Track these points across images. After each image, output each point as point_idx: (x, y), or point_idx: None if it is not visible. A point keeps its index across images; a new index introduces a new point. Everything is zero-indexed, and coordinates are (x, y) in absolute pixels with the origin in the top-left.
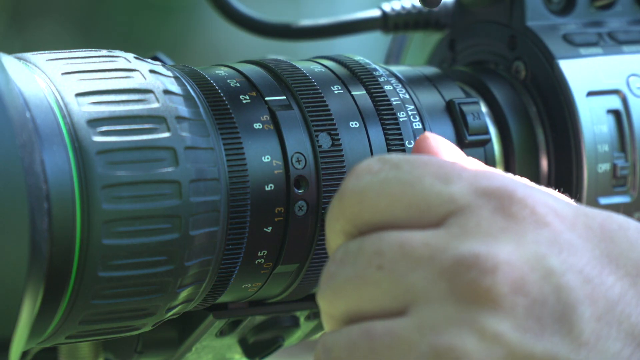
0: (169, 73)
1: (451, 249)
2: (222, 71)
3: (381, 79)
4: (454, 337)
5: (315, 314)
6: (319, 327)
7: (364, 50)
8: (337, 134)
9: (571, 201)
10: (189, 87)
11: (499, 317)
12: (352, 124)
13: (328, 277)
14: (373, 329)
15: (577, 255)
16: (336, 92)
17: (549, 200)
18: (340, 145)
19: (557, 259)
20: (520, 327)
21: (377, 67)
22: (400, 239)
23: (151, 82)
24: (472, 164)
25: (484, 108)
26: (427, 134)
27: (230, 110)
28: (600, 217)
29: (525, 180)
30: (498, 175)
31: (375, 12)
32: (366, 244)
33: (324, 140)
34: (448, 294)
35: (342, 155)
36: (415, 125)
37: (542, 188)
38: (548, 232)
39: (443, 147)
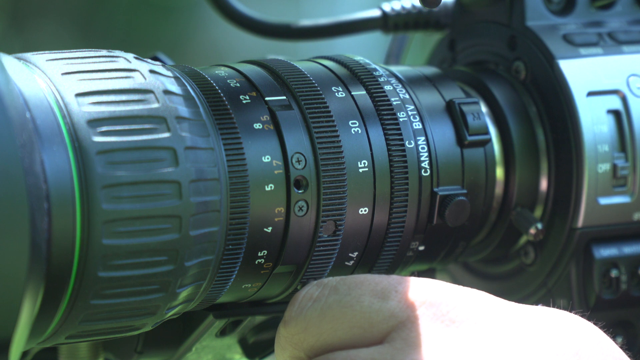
0: (169, 73)
1: None
2: (222, 71)
3: (381, 79)
4: None
5: None
6: None
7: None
8: (337, 131)
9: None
10: (189, 87)
11: None
12: (352, 124)
13: None
14: None
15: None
16: (336, 92)
17: (479, 300)
18: (340, 145)
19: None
20: None
21: (377, 67)
22: (348, 356)
23: (151, 82)
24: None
25: (484, 108)
26: None
27: (230, 111)
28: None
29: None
30: (433, 286)
31: (375, 12)
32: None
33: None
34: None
35: (342, 156)
36: (415, 125)
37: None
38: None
39: None
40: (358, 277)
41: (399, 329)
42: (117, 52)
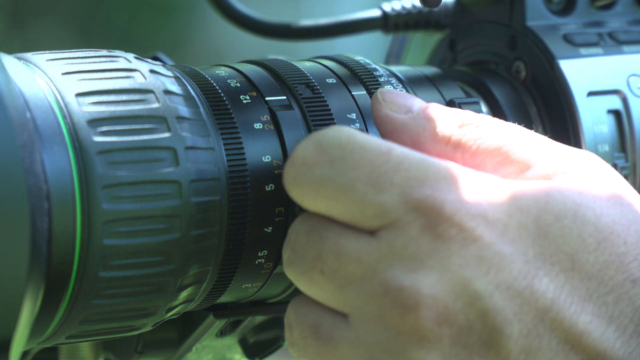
0: (169, 73)
1: (379, 272)
2: (222, 71)
3: (381, 79)
4: None
5: None
6: None
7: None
8: (318, 88)
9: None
10: (189, 87)
11: (426, 349)
12: (352, 124)
13: (286, 259)
14: (320, 326)
15: (506, 269)
16: (336, 91)
17: (481, 205)
18: None
19: (484, 281)
20: (448, 357)
21: (378, 67)
22: (337, 247)
23: (151, 82)
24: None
25: (484, 108)
26: (379, 93)
27: (231, 110)
28: (536, 209)
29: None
30: (433, 174)
31: (375, 12)
32: (311, 240)
33: (304, 90)
34: (378, 319)
35: None
36: None
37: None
38: (476, 248)
39: (396, 107)
40: (356, 155)
41: (388, 229)
42: (117, 52)
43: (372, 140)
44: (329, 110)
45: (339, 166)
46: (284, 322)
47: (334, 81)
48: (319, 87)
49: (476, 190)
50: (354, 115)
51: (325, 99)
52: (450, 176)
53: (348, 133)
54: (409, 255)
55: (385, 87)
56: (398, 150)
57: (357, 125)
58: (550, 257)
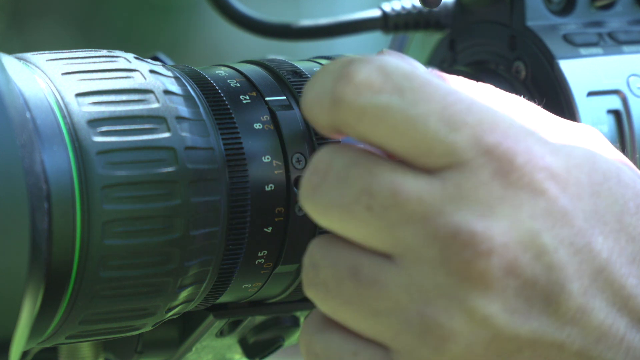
0: (169, 73)
1: (446, 214)
2: (222, 71)
3: None
4: (442, 312)
5: None
6: None
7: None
8: None
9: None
10: (189, 87)
11: (489, 298)
12: None
13: (310, 188)
14: (360, 268)
15: (568, 224)
16: None
17: (546, 159)
18: None
19: (550, 235)
20: (509, 309)
21: None
22: (393, 184)
23: (151, 82)
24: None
25: None
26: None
27: (231, 111)
28: (587, 167)
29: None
30: (502, 122)
31: (375, 12)
32: (355, 173)
33: (293, 76)
34: (440, 263)
35: None
36: None
37: (536, 119)
38: (544, 201)
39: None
40: (428, 84)
41: (456, 170)
42: (117, 52)
43: (435, 77)
44: None
45: (409, 96)
46: (284, 323)
47: None
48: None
49: (541, 142)
50: None
51: None
52: (519, 126)
53: (410, 64)
54: (479, 200)
55: None
56: (465, 92)
57: None
58: (602, 216)
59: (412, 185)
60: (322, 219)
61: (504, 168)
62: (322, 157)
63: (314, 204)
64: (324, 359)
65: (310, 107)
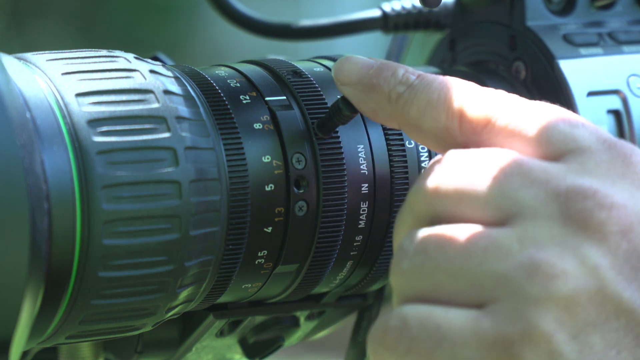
0: (169, 73)
1: (569, 178)
2: (222, 71)
3: None
4: (555, 255)
5: (315, 314)
6: (319, 327)
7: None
8: (337, 132)
9: None
10: (189, 87)
11: (602, 251)
12: (352, 124)
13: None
14: (467, 229)
15: None
16: (336, 92)
17: None
18: (340, 145)
19: None
20: (617, 269)
21: None
22: (519, 157)
23: (151, 82)
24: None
25: None
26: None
27: (231, 110)
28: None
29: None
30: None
31: (375, 12)
32: (480, 151)
33: (293, 75)
34: (557, 215)
35: (343, 156)
36: None
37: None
38: None
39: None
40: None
41: (577, 154)
42: (117, 52)
43: None
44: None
45: (533, 107)
46: (284, 323)
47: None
48: (319, 88)
49: None
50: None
51: (325, 99)
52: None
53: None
54: (601, 173)
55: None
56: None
57: (357, 125)
58: None
59: (538, 162)
60: (428, 200)
61: (625, 152)
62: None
63: (425, 188)
64: (418, 331)
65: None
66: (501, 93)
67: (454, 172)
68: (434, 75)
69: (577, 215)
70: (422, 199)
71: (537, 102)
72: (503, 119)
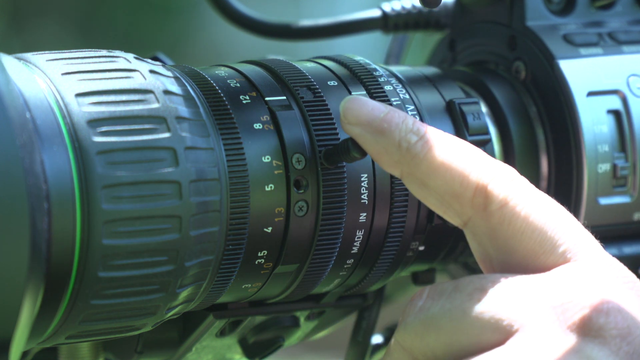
0: (169, 73)
1: (567, 290)
2: (222, 71)
3: (381, 79)
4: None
5: (315, 314)
6: (319, 327)
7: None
8: (337, 132)
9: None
10: (189, 87)
11: (604, 352)
12: None
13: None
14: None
15: None
16: (336, 92)
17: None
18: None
19: None
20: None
21: (377, 67)
22: (509, 278)
23: (151, 82)
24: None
25: (484, 108)
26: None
27: (230, 111)
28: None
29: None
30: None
31: (375, 12)
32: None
33: (306, 93)
34: (558, 325)
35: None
36: None
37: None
38: None
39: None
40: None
41: (573, 263)
42: (117, 52)
43: None
44: (329, 110)
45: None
46: (283, 323)
47: (335, 83)
48: (319, 89)
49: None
50: None
51: (325, 99)
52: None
53: None
54: (596, 283)
55: (385, 87)
56: None
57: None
58: None
59: (531, 279)
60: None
61: (615, 264)
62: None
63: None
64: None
65: None
66: (520, 176)
67: (443, 305)
68: (446, 133)
69: (577, 322)
70: (411, 337)
71: (550, 199)
72: (523, 207)
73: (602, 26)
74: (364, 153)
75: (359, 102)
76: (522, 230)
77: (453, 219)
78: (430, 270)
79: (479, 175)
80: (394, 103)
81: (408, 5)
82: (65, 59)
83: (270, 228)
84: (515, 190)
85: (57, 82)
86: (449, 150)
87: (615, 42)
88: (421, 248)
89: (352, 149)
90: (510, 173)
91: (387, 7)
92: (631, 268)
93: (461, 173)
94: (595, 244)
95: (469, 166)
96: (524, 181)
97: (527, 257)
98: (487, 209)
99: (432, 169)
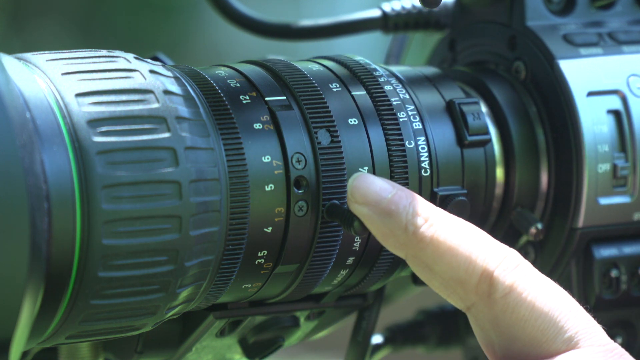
0: (169, 73)
1: None
2: (222, 71)
3: (381, 79)
4: None
5: (315, 314)
6: (319, 327)
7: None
8: (337, 132)
9: None
10: (189, 88)
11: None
12: (352, 124)
13: None
14: None
15: None
16: (336, 92)
17: None
18: (340, 145)
19: None
20: None
21: (377, 67)
22: None
23: (151, 82)
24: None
25: (484, 108)
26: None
27: (231, 111)
28: None
29: None
30: None
31: (375, 12)
32: None
33: (323, 137)
34: None
35: (342, 156)
36: (415, 125)
37: None
38: None
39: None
40: None
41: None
42: (117, 52)
43: None
44: (329, 110)
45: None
46: (283, 323)
47: (340, 89)
48: (321, 92)
49: None
50: (354, 118)
51: (325, 99)
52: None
53: None
54: None
55: (385, 87)
56: None
57: (357, 125)
58: None
59: None
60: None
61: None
62: None
63: None
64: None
65: None
66: (524, 261)
67: None
68: (455, 217)
69: None
70: None
71: (554, 284)
72: (527, 295)
73: (602, 26)
74: (367, 232)
75: (367, 181)
76: (526, 318)
77: (456, 303)
78: None
79: (483, 263)
80: (394, 103)
81: (408, 5)
82: (65, 59)
83: (270, 228)
84: (520, 277)
85: (57, 82)
86: (454, 235)
87: (615, 42)
88: None
89: (356, 226)
90: (514, 259)
91: (387, 7)
92: (631, 268)
93: (466, 259)
94: (599, 330)
95: (474, 252)
96: (528, 267)
97: (530, 345)
98: (491, 297)
99: (437, 255)
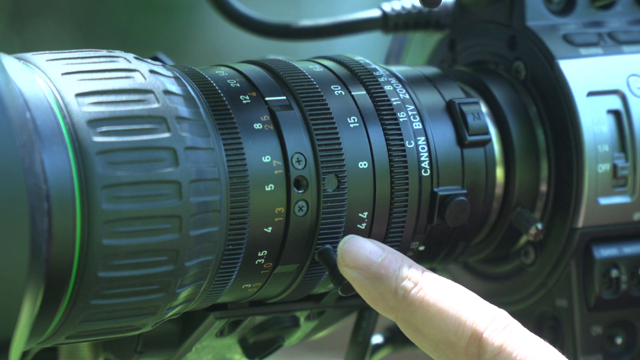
0: (169, 73)
1: None
2: (222, 71)
3: (381, 79)
4: None
5: (315, 314)
6: (319, 327)
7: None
8: (337, 132)
9: None
10: (189, 87)
11: None
12: (352, 124)
13: None
14: None
15: None
16: (336, 92)
17: None
18: (340, 145)
19: None
20: None
21: (377, 67)
22: None
23: (151, 82)
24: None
25: (484, 108)
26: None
27: (231, 111)
28: None
29: None
30: None
31: (375, 12)
32: None
33: (330, 184)
34: None
35: (342, 156)
36: (415, 125)
37: None
38: None
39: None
40: None
41: None
42: (117, 52)
43: None
44: (329, 110)
45: None
46: (283, 323)
47: (340, 88)
48: (321, 92)
49: None
50: (354, 118)
51: (325, 99)
52: None
53: None
54: None
55: (385, 87)
56: None
57: (357, 125)
58: None
59: None
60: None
61: None
62: None
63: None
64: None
65: None
66: (513, 321)
67: None
68: (443, 279)
69: None
70: None
71: (545, 344)
72: (516, 355)
73: (602, 26)
74: (352, 292)
75: (357, 244)
76: None
77: None
78: (431, 270)
79: (473, 324)
80: (394, 103)
81: (408, 5)
82: (65, 59)
83: (270, 228)
84: (509, 337)
85: (57, 82)
86: (444, 297)
87: (615, 42)
88: (421, 248)
89: (344, 288)
90: (503, 319)
91: (387, 7)
92: (631, 268)
93: (455, 322)
94: None
95: (463, 314)
96: (517, 327)
97: None
98: (481, 358)
99: (427, 318)
